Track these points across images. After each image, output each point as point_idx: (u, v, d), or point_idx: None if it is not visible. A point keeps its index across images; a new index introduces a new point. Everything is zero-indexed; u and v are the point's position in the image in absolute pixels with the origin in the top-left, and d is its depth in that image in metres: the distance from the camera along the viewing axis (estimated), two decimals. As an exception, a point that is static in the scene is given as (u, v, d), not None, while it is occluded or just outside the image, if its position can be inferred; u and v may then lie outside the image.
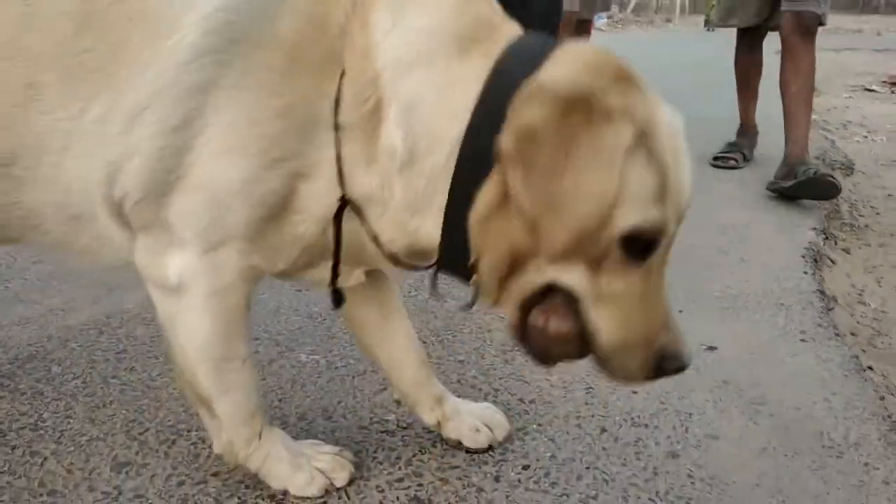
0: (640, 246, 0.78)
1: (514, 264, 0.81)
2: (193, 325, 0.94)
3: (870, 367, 1.72)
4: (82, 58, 0.83)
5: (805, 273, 2.11)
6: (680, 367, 0.83)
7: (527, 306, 0.84)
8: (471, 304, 0.90)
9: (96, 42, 0.83)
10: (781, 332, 1.72)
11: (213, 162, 0.84)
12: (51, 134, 0.86)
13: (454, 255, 0.86)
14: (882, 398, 1.47)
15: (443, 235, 0.85)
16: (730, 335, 1.68)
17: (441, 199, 0.83)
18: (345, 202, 0.88)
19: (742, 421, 1.32)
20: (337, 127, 0.83)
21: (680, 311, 1.83)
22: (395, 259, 0.93)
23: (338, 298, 1.03)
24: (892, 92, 7.17)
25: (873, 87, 7.40)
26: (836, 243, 2.62)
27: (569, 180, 0.72)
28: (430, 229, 0.86)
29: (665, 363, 0.82)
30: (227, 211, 0.86)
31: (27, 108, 0.85)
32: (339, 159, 0.85)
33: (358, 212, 0.89)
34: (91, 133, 0.85)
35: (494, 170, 0.78)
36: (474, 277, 0.86)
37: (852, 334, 1.94)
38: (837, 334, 1.73)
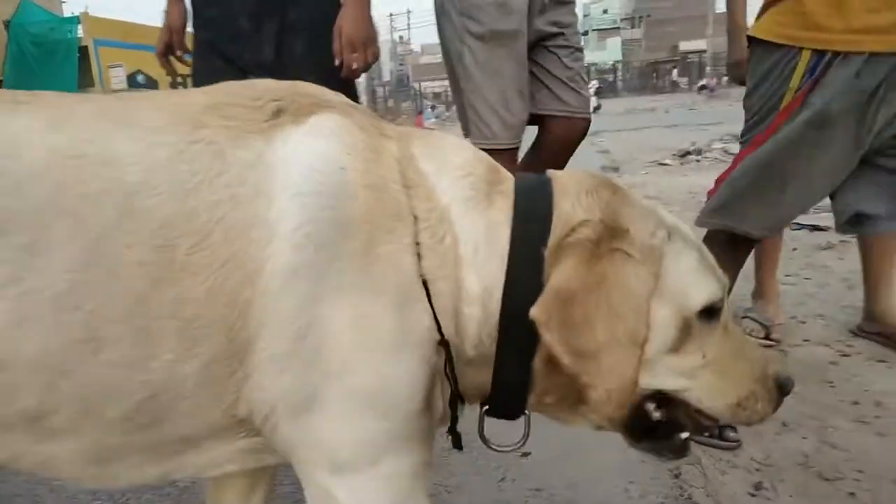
0: (712, 312, 0.87)
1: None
2: None
3: (673, 441, 1.87)
4: (171, 309, 0.75)
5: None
6: (792, 383, 0.93)
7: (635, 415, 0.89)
8: (525, 438, 0.98)
9: (186, 293, 0.75)
10: (588, 425, 1.83)
11: (342, 374, 0.79)
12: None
13: (506, 401, 0.90)
14: (677, 475, 1.60)
15: (496, 379, 0.88)
16: (542, 437, 1.76)
17: (494, 347, 0.86)
18: (447, 345, 0.84)
19: (553, 528, 1.38)
20: (424, 279, 0.82)
21: (498, 419, 1.91)
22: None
23: (458, 439, 0.96)
24: (682, 164, 8.16)
25: (666, 161, 8.39)
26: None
27: (601, 332, 0.79)
28: (481, 380, 0.89)
29: (783, 388, 0.92)
30: (378, 418, 0.81)
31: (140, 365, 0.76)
32: (433, 309, 0.83)
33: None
34: (204, 377, 0.78)
35: None
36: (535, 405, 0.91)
37: (659, 408, 2.11)
38: (639, 416, 1.87)
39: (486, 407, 0.93)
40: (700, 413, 0.91)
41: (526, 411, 0.93)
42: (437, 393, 0.87)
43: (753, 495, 1.69)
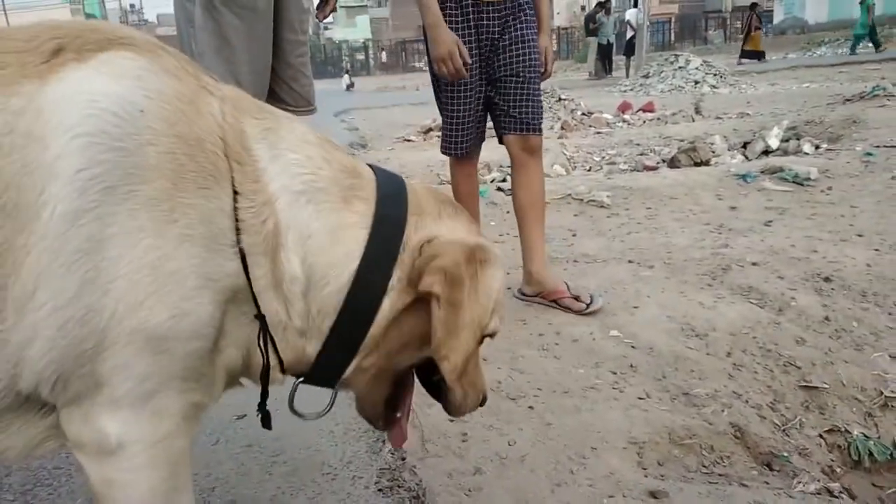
0: (492, 336, 1.06)
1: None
2: (135, 482, 0.85)
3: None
4: None
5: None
6: (486, 399, 1.17)
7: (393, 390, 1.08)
8: (330, 406, 1.11)
9: None
10: (304, 381, 1.95)
11: (134, 313, 0.79)
12: None
13: (329, 369, 0.98)
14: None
15: (325, 351, 0.95)
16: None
17: (328, 322, 0.93)
18: (263, 319, 0.89)
19: (258, 475, 1.49)
20: (241, 250, 0.84)
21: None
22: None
23: (267, 419, 1.05)
24: (424, 139, 8.66)
25: (411, 137, 8.83)
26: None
27: (467, 314, 0.95)
28: (312, 350, 0.95)
29: (484, 399, 1.15)
30: (160, 355, 0.82)
31: None
32: (248, 280, 0.86)
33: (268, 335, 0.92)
34: None
35: (390, 297, 0.94)
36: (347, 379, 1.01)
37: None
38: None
39: (302, 378, 1.02)
40: (445, 396, 1.10)
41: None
42: (230, 342, 0.90)
43: (452, 421, 1.95)
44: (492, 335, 1.05)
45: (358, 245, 0.93)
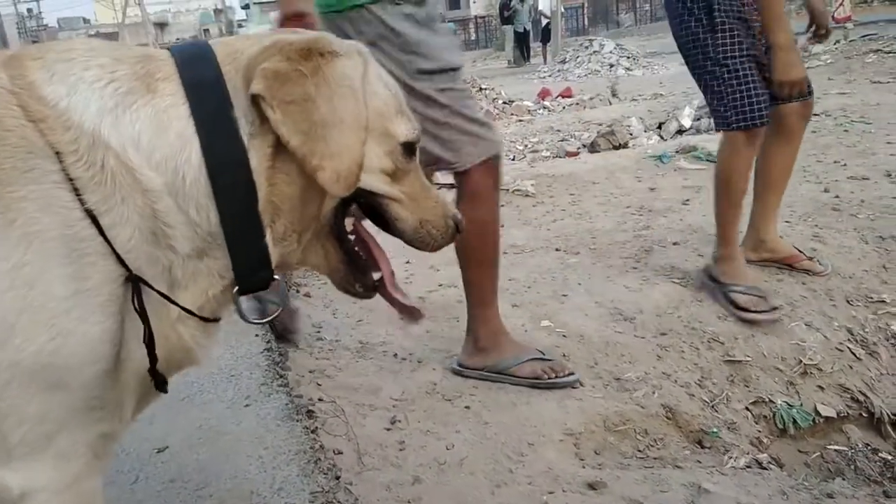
0: (409, 150, 0.96)
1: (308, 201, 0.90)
2: None
3: (321, 399, 2.01)
4: None
5: (256, 335, 2.35)
6: (463, 223, 1.06)
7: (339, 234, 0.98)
8: (283, 301, 1.00)
9: None
10: (229, 404, 1.87)
11: (7, 341, 0.71)
12: None
13: (250, 263, 0.87)
14: (314, 430, 1.74)
15: (233, 246, 0.85)
16: (182, 426, 1.76)
17: (213, 216, 0.83)
18: (134, 279, 0.78)
19: (185, 514, 1.41)
20: (90, 212, 0.75)
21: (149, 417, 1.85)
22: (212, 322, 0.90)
23: (161, 381, 0.87)
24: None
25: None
26: (297, 291, 2.99)
27: (324, 109, 0.83)
28: (218, 264, 0.86)
29: (458, 225, 1.05)
30: (53, 389, 0.74)
31: None
32: (107, 241, 0.76)
33: (162, 295, 0.82)
34: None
35: (254, 148, 0.84)
36: (279, 255, 0.91)
37: (311, 372, 2.24)
38: (283, 384, 1.97)
39: (237, 288, 0.89)
40: (392, 226, 1.00)
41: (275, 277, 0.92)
42: (132, 341, 0.80)
43: (389, 429, 1.92)
44: (407, 144, 0.95)
45: (185, 121, 0.83)
